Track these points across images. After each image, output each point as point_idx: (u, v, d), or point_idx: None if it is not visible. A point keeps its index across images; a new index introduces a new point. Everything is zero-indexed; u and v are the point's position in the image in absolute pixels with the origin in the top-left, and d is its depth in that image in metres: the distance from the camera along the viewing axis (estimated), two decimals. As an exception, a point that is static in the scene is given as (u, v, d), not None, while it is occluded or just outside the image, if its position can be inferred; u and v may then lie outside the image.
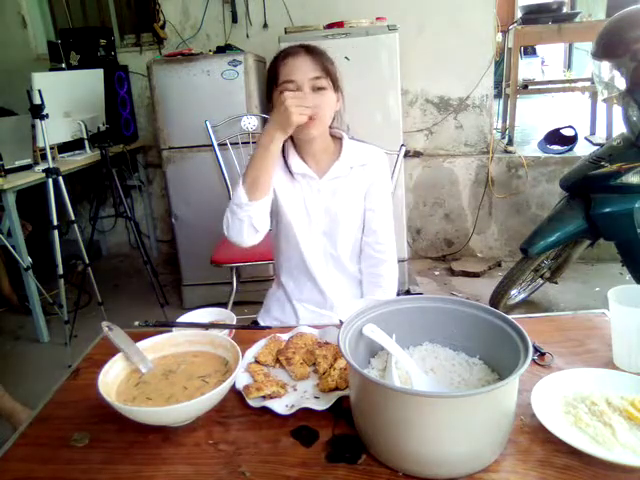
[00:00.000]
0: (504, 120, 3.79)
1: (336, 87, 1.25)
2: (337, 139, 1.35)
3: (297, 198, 1.32)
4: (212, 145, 2.54)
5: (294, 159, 1.31)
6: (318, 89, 1.21)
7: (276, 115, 1.15)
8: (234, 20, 3.43)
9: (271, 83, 1.25)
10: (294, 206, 1.32)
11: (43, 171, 2.51)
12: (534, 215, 3.33)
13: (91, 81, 3.11)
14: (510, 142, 3.52)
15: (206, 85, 2.75)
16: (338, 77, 1.26)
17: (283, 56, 1.23)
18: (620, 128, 2.31)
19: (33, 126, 2.62)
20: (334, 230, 1.35)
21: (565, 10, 3.40)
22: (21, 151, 2.70)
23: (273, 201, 1.29)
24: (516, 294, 2.79)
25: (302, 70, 1.20)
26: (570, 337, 1.01)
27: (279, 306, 1.44)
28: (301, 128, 1.19)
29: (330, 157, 1.32)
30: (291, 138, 1.29)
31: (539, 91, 4.86)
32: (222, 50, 2.88)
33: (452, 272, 3.34)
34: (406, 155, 3.31)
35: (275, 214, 1.35)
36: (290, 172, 1.31)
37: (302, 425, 0.80)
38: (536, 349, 0.95)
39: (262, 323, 1.42)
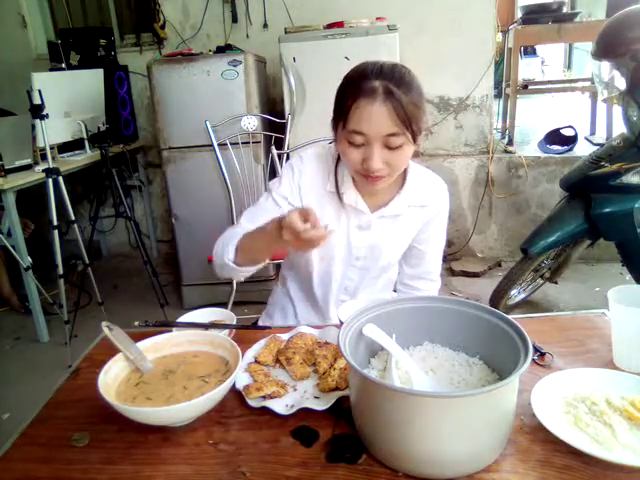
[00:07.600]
0: (504, 120, 3.79)
1: (415, 139, 1.00)
2: None
3: (341, 231, 1.18)
4: (212, 145, 2.54)
5: (349, 189, 1.14)
6: (391, 148, 0.99)
7: (289, 239, 0.90)
8: (234, 20, 3.43)
9: (338, 115, 1.02)
10: (335, 239, 1.18)
11: (43, 171, 2.51)
12: (534, 215, 3.33)
13: (91, 81, 3.11)
14: (510, 142, 3.52)
15: (206, 85, 2.75)
16: (422, 124, 1.00)
17: (357, 93, 0.96)
18: (620, 128, 2.31)
19: (33, 126, 2.62)
20: (368, 267, 1.24)
21: (565, 10, 3.39)
22: (21, 151, 2.70)
23: None
24: (516, 294, 2.79)
25: (376, 124, 0.96)
26: (570, 337, 1.01)
27: (282, 314, 1.38)
28: (364, 182, 1.06)
29: (389, 189, 1.15)
30: None
31: (539, 91, 4.85)
32: (222, 50, 2.88)
33: (452, 272, 3.34)
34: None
35: None
36: (338, 198, 1.15)
37: (302, 425, 0.79)
38: (536, 349, 0.95)
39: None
